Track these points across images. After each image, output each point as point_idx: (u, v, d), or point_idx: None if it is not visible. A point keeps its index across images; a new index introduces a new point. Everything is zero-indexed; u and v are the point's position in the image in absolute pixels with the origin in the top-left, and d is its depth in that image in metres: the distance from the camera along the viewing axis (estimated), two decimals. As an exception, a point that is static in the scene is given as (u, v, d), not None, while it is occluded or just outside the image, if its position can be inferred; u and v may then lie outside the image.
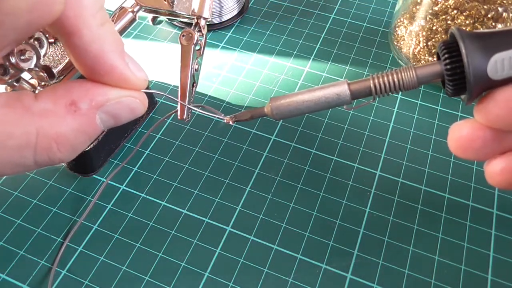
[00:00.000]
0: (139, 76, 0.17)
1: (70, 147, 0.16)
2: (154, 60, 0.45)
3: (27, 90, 0.26)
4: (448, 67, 0.17)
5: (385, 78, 0.18)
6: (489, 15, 0.36)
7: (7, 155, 0.15)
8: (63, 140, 0.15)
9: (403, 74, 0.18)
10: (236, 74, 0.43)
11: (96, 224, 0.33)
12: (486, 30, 0.17)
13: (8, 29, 0.13)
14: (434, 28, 0.39)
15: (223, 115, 0.22)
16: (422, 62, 0.41)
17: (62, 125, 0.15)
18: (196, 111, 0.23)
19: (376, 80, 0.19)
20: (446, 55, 0.17)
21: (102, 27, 0.16)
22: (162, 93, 0.21)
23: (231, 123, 0.21)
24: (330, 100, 0.19)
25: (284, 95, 0.20)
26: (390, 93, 0.19)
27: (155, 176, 0.36)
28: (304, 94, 0.19)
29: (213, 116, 0.22)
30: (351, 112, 0.40)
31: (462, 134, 0.18)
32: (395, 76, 0.18)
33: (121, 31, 0.31)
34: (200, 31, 0.30)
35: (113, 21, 0.31)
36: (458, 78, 0.17)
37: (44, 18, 0.13)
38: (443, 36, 0.39)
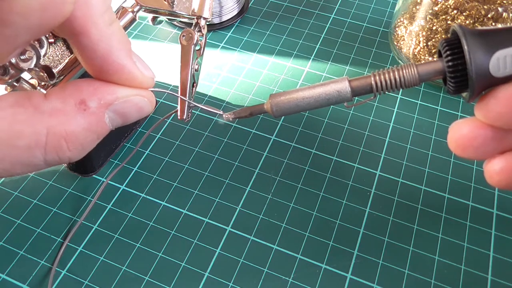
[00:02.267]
0: (146, 74, 0.17)
1: (79, 145, 0.16)
2: (154, 60, 0.45)
3: (36, 90, 0.26)
4: (450, 64, 0.17)
5: (386, 75, 0.18)
6: (489, 15, 0.36)
7: (17, 154, 0.15)
8: (73, 139, 0.15)
9: (404, 71, 0.18)
10: (236, 74, 0.43)
11: (96, 224, 0.33)
12: (488, 28, 0.17)
13: (20, 29, 0.13)
14: (434, 28, 0.39)
15: (221, 111, 0.22)
16: (421, 62, 0.41)
17: (72, 123, 0.15)
18: (197, 105, 0.23)
19: (377, 77, 0.18)
20: (448, 52, 0.17)
21: (110, 26, 0.16)
22: (166, 91, 0.21)
23: (230, 119, 0.21)
24: (330, 96, 0.19)
25: (284, 92, 0.19)
26: (391, 90, 0.19)
27: (155, 176, 0.36)
28: (304, 91, 0.19)
29: (213, 111, 0.22)
30: (351, 112, 0.40)
31: (462, 133, 0.18)
32: (396, 73, 0.18)
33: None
34: (200, 31, 0.30)
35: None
36: (460, 75, 0.17)
37: (55, 18, 0.13)
38: (443, 36, 0.39)
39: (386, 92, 0.19)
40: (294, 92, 0.19)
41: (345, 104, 0.19)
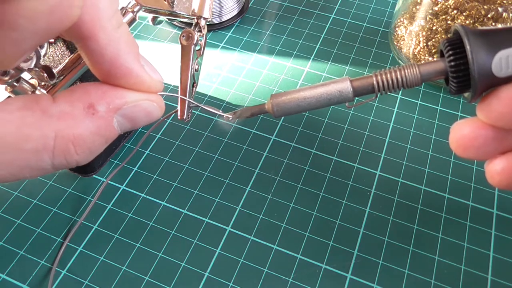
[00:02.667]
0: (155, 78, 0.17)
1: (87, 149, 0.16)
2: (154, 60, 0.45)
3: (43, 93, 0.26)
4: (452, 63, 0.17)
5: (388, 75, 0.18)
6: (489, 15, 0.36)
7: (24, 158, 0.15)
8: (81, 143, 0.15)
9: (406, 71, 0.18)
10: (236, 74, 0.43)
11: (96, 224, 0.33)
12: (490, 28, 0.17)
13: (27, 33, 0.13)
14: (434, 28, 0.39)
15: (221, 111, 0.22)
16: (422, 62, 0.40)
17: (80, 127, 0.15)
18: (199, 105, 0.23)
19: (379, 77, 0.18)
20: (450, 52, 0.17)
21: (118, 30, 0.16)
22: (176, 95, 0.21)
23: (230, 119, 0.21)
24: (332, 97, 0.19)
25: (285, 92, 0.19)
26: (392, 91, 0.19)
27: (155, 176, 0.36)
28: (305, 91, 0.19)
29: (213, 112, 0.22)
30: (351, 112, 0.40)
31: (463, 133, 0.18)
32: (398, 73, 0.18)
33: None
34: (200, 31, 0.30)
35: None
36: (462, 75, 0.17)
37: (63, 22, 0.13)
38: (443, 36, 0.39)
39: (388, 93, 0.19)
40: (295, 92, 0.19)
41: (346, 104, 0.19)
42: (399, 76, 0.18)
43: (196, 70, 0.29)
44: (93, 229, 0.33)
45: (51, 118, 0.15)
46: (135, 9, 0.31)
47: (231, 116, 0.21)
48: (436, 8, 0.38)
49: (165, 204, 0.34)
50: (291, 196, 0.35)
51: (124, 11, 0.31)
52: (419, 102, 0.41)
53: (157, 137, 0.38)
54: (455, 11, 0.37)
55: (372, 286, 0.30)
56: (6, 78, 0.20)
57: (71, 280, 0.31)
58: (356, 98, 0.19)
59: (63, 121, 0.15)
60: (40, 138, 0.14)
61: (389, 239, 0.33)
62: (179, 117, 0.29)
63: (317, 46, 0.46)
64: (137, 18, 0.31)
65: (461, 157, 0.18)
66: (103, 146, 0.16)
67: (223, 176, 0.36)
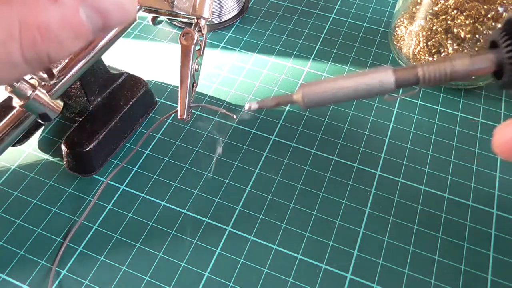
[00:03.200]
0: None
1: (55, 40, 0.15)
2: (154, 60, 0.45)
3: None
4: (511, 54, 0.16)
5: (436, 67, 0.17)
6: (489, 15, 0.36)
7: None
8: (48, 31, 0.15)
9: (455, 62, 0.17)
10: (236, 74, 0.43)
11: (96, 224, 0.33)
12: None
13: None
14: (434, 28, 0.39)
15: (223, 110, 0.21)
16: (422, 62, 0.41)
17: (43, 14, 0.14)
18: (217, 109, 0.23)
19: (425, 68, 0.17)
20: (508, 41, 0.16)
21: None
22: (201, 105, 0.21)
23: (252, 108, 0.19)
24: (371, 87, 0.17)
25: (316, 81, 0.18)
26: (437, 84, 0.17)
27: (155, 176, 0.36)
28: (340, 80, 0.17)
29: (230, 116, 0.22)
30: (351, 112, 0.40)
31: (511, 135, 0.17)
32: (446, 64, 0.17)
33: (121, 31, 0.32)
34: (200, 31, 0.30)
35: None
36: None
37: None
38: (443, 36, 0.39)
39: (430, 87, 0.18)
40: (329, 81, 0.18)
41: (385, 96, 0.18)
42: (447, 68, 0.17)
43: (196, 70, 0.29)
44: (93, 229, 0.33)
45: (14, 7, 0.14)
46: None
47: (256, 107, 0.19)
48: (436, 8, 0.38)
49: (165, 204, 0.34)
50: (291, 196, 0.35)
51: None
52: (419, 102, 0.41)
53: (157, 137, 0.38)
54: (455, 11, 0.37)
55: (372, 286, 0.31)
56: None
57: (71, 280, 0.31)
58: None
59: (25, 8, 0.14)
60: (5, 28, 0.14)
61: (389, 239, 0.33)
62: (179, 117, 0.29)
63: (317, 46, 0.46)
64: (137, 18, 0.31)
65: (508, 161, 0.17)
66: (75, 42, 0.16)
67: (223, 176, 0.36)
